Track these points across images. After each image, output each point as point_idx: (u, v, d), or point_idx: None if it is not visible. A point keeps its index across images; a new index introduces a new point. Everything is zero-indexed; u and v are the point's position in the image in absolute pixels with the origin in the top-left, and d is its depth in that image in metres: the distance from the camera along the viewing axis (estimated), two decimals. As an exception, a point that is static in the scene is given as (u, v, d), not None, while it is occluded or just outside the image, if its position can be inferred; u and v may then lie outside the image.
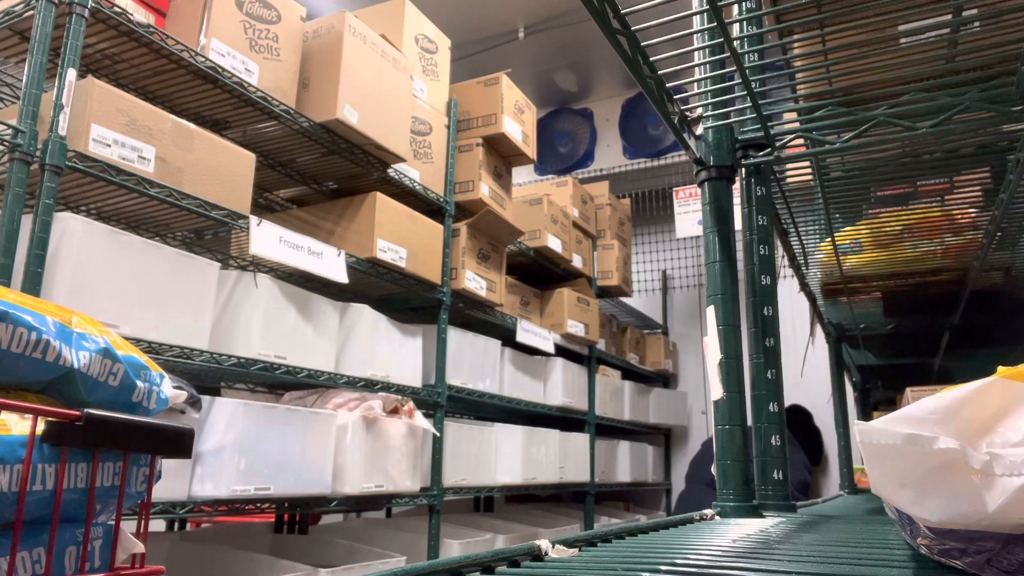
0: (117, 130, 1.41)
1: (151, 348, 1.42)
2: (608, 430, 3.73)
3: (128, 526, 0.71)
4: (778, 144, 1.15)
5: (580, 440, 3.10)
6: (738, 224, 1.14)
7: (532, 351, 2.88)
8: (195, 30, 1.67)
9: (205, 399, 1.50)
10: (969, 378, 0.41)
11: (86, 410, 0.62)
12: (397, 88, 2.11)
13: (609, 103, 4.38)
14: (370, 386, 1.99)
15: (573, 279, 3.28)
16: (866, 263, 1.85)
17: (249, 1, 1.75)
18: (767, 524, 0.86)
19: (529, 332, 2.77)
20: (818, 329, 2.46)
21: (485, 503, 3.49)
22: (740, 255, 1.15)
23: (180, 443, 0.71)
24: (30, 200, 1.34)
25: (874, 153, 1.30)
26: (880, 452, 0.41)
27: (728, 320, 1.06)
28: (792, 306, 3.50)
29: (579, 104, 4.49)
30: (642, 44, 0.85)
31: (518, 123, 2.68)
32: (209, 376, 1.86)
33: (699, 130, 1.11)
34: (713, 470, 1.05)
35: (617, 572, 0.49)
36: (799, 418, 3.79)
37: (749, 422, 1.06)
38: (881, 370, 3.01)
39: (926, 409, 0.40)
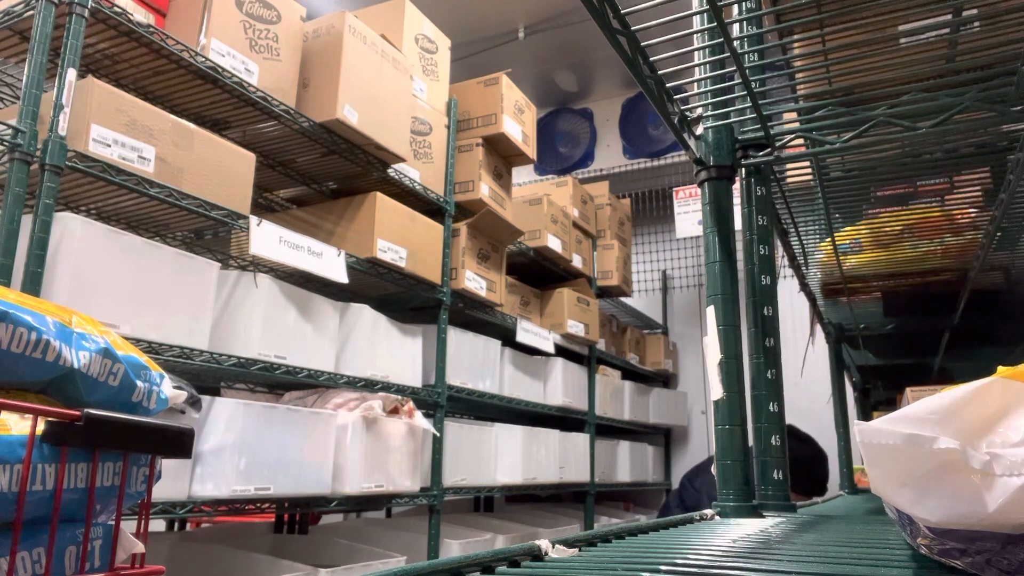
0: (117, 130, 1.41)
1: (151, 348, 1.42)
2: (608, 430, 3.73)
3: (128, 526, 0.71)
4: (778, 144, 1.15)
5: (580, 440, 3.10)
6: (738, 224, 1.14)
7: (532, 351, 2.88)
8: (195, 30, 1.67)
9: (205, 399, 1.50)
10: (969, 378, 0.41)
11: (86, 410, 0.62)
12: (397, 88, 2.11)
13: (609, 103, 4.38)
14: (370, 386, 1.99)
15: (573, 279, 3.28)
16: (866, 263, 1.85)
17: (249, 1, 1.75)
18: (767, 524, 0.86)
19: (529, 332, 2.77)
20: (818, 329, 2.46)
21: (485, 503, 3.49)
22: (740, 255, 1.15)
23: (180, 443, 0.71)
24: (30, 200, 1.34)
25: (874, 153, 1.30)
26: (880, 452, 0.41)
27: (728, 320, 1.06)
28: (792, 306, 3.49)
29: (579, 104, 4.49)
30: (642, 44, 0.85)
31: (518, 123, 2.68)
32: (209, 376, 1.86)
33: (699, 130, 1.11)
34: (713, 470, 1.05)
35: (617, 572, 0.49)
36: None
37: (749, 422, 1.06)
38: (881, 370, 3.01)
39: (926, 409, 0.40)
